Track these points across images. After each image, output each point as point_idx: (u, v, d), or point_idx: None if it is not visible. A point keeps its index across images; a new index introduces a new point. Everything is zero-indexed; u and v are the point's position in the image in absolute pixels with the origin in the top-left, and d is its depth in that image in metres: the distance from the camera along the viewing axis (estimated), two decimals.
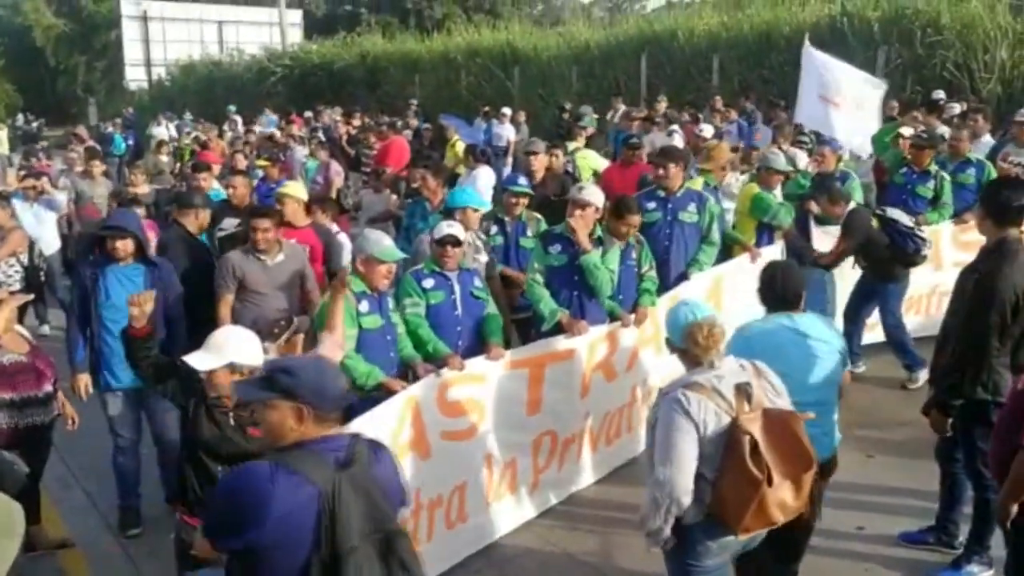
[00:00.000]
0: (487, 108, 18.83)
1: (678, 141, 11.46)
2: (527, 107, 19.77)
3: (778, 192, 7.87)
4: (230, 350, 3.81)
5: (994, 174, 8.36)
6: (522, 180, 7.08)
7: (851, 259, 7.46)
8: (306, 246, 6.53)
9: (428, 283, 5.43)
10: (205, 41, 39.89)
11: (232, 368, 3.81)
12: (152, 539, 5.48)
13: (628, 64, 20.48)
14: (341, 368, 4.09)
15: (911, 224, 7.20)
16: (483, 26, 28.84)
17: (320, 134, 16.61)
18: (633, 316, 5.95)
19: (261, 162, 11.41)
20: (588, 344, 5.70)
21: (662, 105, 16.04)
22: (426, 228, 6.83)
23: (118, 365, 5.18)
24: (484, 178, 9.67)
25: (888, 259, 7.14)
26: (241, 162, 11.92)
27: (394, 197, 10.20)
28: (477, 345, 5.45)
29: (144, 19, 39.70)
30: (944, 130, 10.76)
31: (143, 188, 11.78)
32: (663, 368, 5.93)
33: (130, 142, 23.25)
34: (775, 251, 7.61)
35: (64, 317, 6.14)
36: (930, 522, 5.14)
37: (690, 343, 3.60)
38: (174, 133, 22.58)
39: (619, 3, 52.07)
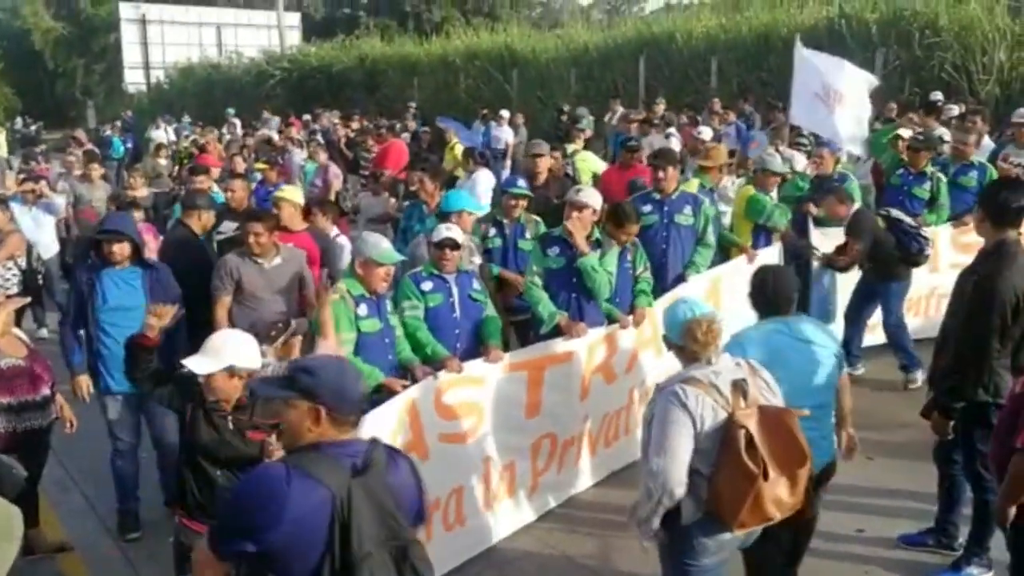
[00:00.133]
0: (485, 111, 18.83)
1: (675, 143, 11.48)
2: (525, 109, 19.76)
3: (774, 194, 7.87)
4: (228, 353, 3.81)
5: (996, 176, 8.36)
6: (521, 182, 7.07)
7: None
8: (303, 250, 6.51)
9: (426, 286, 5.43)
10: (204, 44, 39.80)
11: (230, 371, 3.81)
12: (151, 542, 5.47)
13: (626, 66, 20.49)
14: None
15: (915, 224, 7.24)
16: (481, 29, 28.85)
17: (319, 137, 16.61)
18: (631, 318, 5.97)
19: (259, 165, 11.41)
20: (587, 346, 5.71)
21: (660, 107, 16.06)
22: (423, 231, 6.83)
23: (117, 368, 5.15)
24: (484, 181, 9.68)
25: (893, 259, 7.15)
26: (240, 165, 11.93)
27: (392, 200, 10.20)
28: (475, 347, 5.45)
29: (143, 22, 39.64)
30: (942, 132, 10.77)
31: (141, 191, 11.79)
32: (662, 370, 5.92)
33: (129, 145, 23.21)
34: (772, 252, 7.62)
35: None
36: (930, 524, 5.14)
37: (689, 339, 3.60)
38: (172, 136, 22.57)
39: (617, 5, 52.20)
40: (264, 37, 38.93)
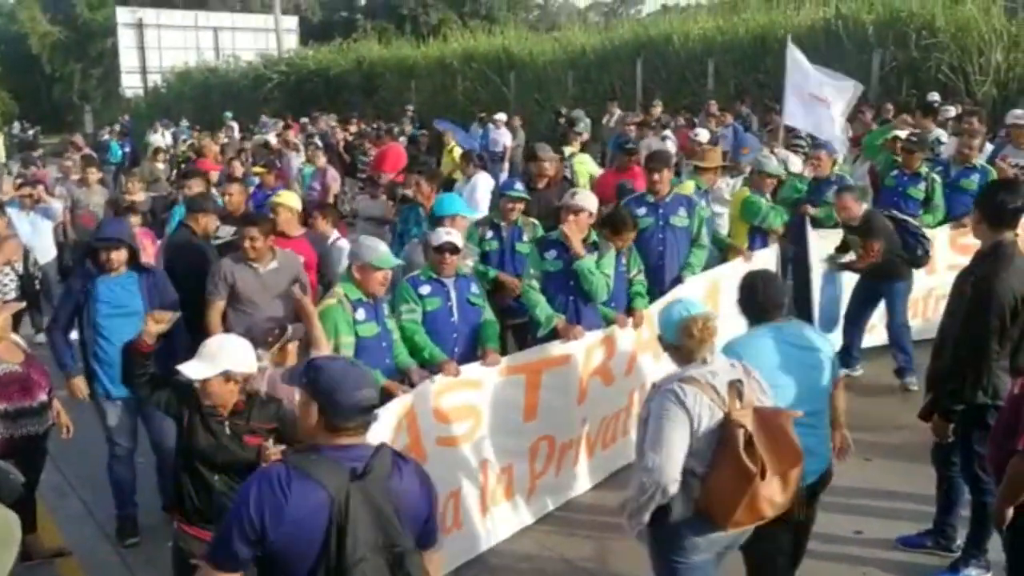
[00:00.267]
0: (483, 114, 18.83)
1: (671, 146, 11.47)
2: (523, 112, 19.77)
3: (769, 195, 7.88)
4: (224, 358, 3.80)
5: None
6: (518, 185, 7.06)
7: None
8: (300, 256, 6.48)
9: (425, 289, 5.44)
10: (201, 48, 39.80)
11: (226, 376, 3.81)
12: (149, 547, 5.46)
13: (623, 68, 20.50)
14: None
15: (917, 225, 7.27)
16: (479, 31, 28.82)
17: (317, 140, 16.61)
18: (630, 320, 5.98)
19: (257, 169, 11.41)
20: (584, 349, 5.71)
21: (657, 109, 16.06)
22: (420, 234, 6.83)
23: (116, 374, 5.15)
24: (483, 185, 9.68)
25: (898, 259, 7.16)
26: (237, 169, 11.92)
27: (390, 203, 10.20)
28: (473, 351, 5.46)
29: (139, 26, 39.64)
30: (939, 133, 10.79)
31: (139, 196, 11.72)
32: (660, 372, 5.91)
33: (126, 149, 23.20)
34: (769, 254, 7.63)
35: None
36: (928, 526, 5.15)
37: (685, 337, 3.60)
38: (170, 140, 22.56)
39: (615, 7, 52.22)
40: (261, 41, 38.91)
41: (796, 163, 9.10)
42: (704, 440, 3.46)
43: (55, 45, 45.25)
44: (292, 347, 5.07)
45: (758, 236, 7.70)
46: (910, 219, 7.37)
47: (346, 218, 10.40)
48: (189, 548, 3.87)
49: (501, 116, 17.25)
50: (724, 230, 7.95)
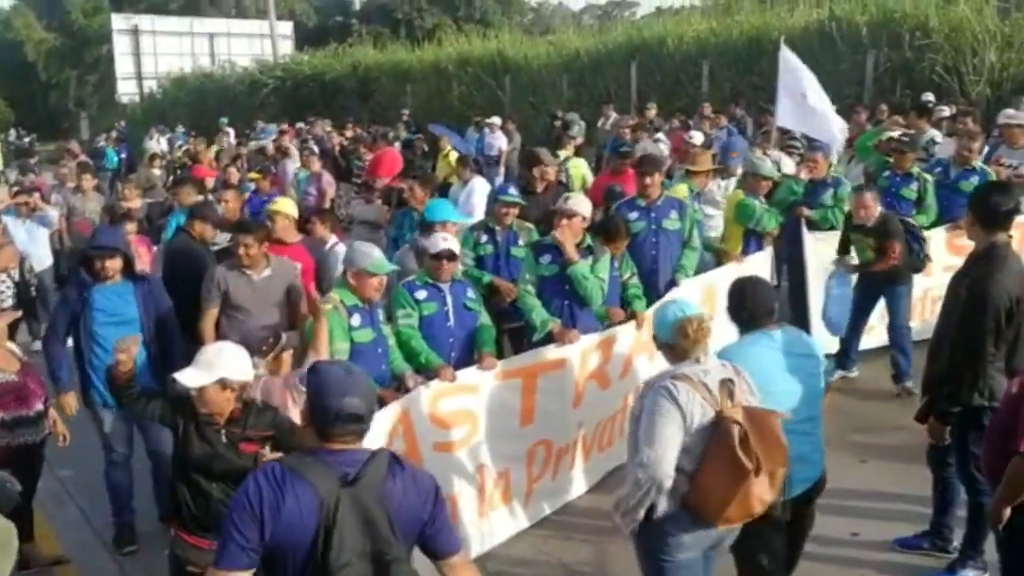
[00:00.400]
0: (479, 118, 18.83)
1: (664, 148, 11.47)
2: (518, 116, 19.75)
3: (764, 198, 7.88)
4: (221, 366, 3.80)
5: None
6: (512, 189, 7.07)
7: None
8: (296, 263, 6.46)
9: (421, 294, 5.44)
10: (196, 54, 39.71)
11: (222, 384, 3.80)
12: (147, 555, 5.46)
13: (618, 71, 20.49)
14: None
15: (916, 226, 7.29)
16: (473, 35, 28.79)
17: (312, 145, 16.61)
18: (631, 321, 6.00)
19: (253, 175, 11.41)
20: (580, 353, 5.71)
21: (652, 112, 16.07)
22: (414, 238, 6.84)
23: None
24: (480, 190, 9.67)
25: (904, 262, 7.18)
26: (233, 176, 11.92)
27: (385, 207, 10.20)
28: (469, 356, 5.46)
29: (135, 33, 39.57)
30: (934, 133, 10.81)
31: (135, 202, 11.74)
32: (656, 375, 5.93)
33: (123, 156, 23.20)
34: (764, 257, 7.63)
35: None
36: (924, 527, 5.16)
37: (679, 336, 3.63)
38: (166, 146, 22.54)
39: (609, 10, 52.28)
40: (257, 46, 38.85)
41: (789, 165, 9.10)
42: (695, 437, 3.49)
43: (50, 52, 45.22)
44: (287, 355, 5.07)
45: (753, 239, 7.70)
46: (912, 222, 7.38)
47: (342, 223, 10.40)
48: (187, 556, 3.88)
49: (496, 120, 17.26)
50: (715, 232, 7.92)
